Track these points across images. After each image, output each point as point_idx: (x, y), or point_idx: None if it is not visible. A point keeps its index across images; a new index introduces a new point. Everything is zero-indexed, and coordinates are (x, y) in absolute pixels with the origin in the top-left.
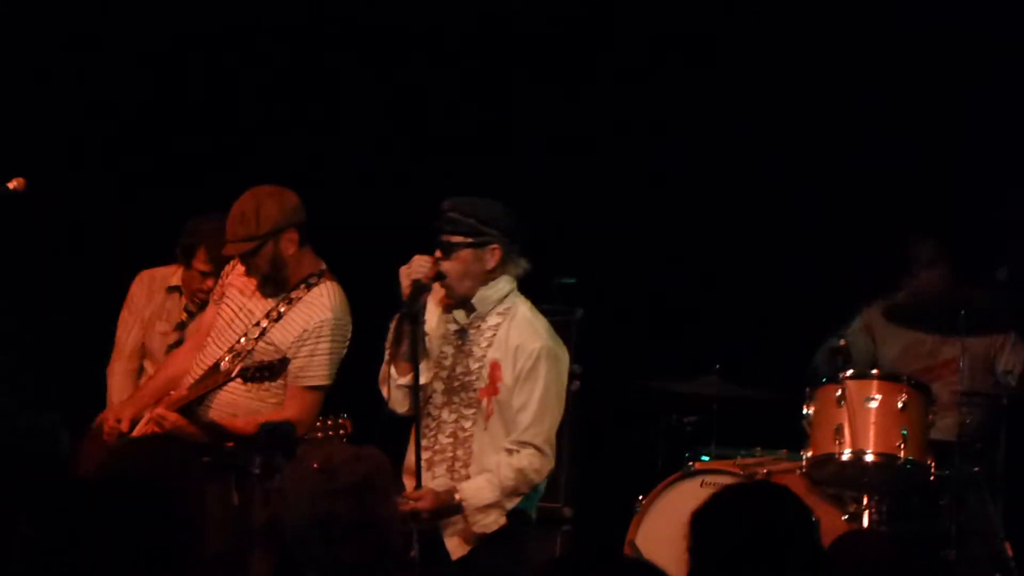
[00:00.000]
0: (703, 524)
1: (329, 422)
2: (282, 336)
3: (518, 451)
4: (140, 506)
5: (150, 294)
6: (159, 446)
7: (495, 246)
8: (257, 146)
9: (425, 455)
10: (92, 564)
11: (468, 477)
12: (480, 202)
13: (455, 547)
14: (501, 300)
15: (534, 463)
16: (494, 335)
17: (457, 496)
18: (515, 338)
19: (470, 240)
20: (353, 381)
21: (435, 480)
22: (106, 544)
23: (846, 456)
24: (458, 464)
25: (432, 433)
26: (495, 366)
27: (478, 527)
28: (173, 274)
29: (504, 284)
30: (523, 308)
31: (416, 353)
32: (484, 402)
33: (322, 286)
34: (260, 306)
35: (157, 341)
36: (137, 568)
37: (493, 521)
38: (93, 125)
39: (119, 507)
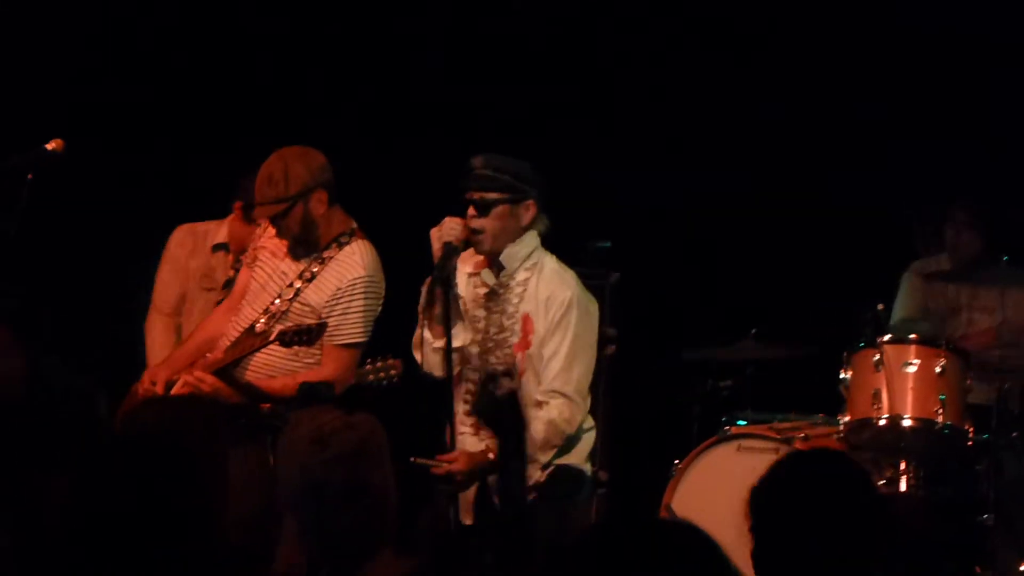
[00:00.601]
0: (766, 496)
1: (379, 363)
2: (316, 296)
3: (547, 402)
4: (156, 464)
5: (193, 250)
6: (178, 406)
7: (530, 201)
8: (284, 107)
9: (471, 419)
10: (116, 523)
11: None
12: (511, 159)
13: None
14: (528, 256)
15: (563, 413)
16: (524, 290)
17: (491, 455)
18: (545, 290)
19: (507, 196)
20: (388, 343)
21: (483, 443)
22: (126, 502)
23: (883, 421)
24: None
25: (471, 397)
26: (527, 319)
27: None
28: (216, 231)
29: (530, 240)
30: (550, 261)
31: (449, 316)
32: (519, 357)
33: (354, 244)
34: (293, 267)
35: (202, 299)
36: (159, 527)
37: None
38: (123, 89)
39: (136, 465)
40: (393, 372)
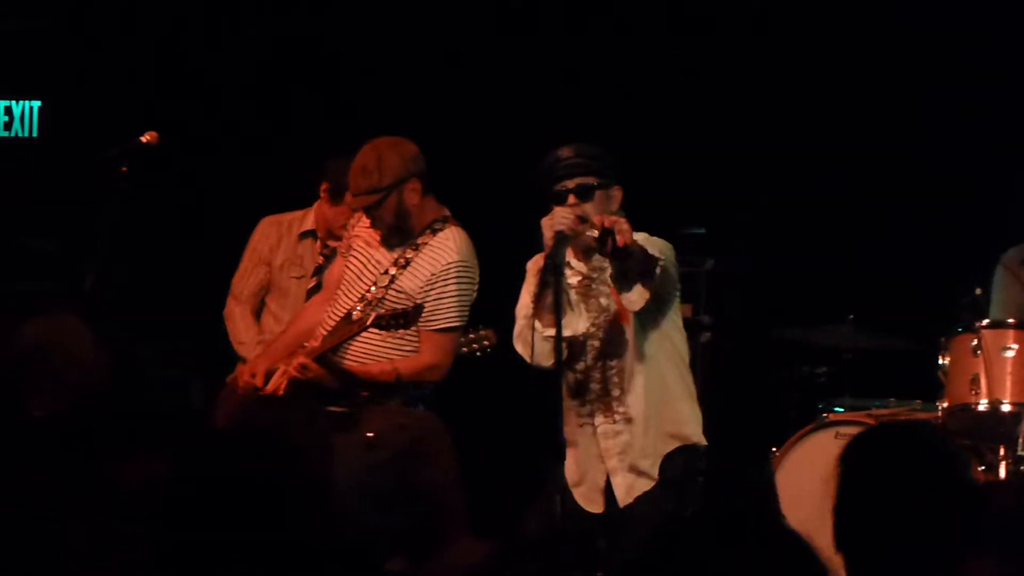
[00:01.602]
0: (855, 460)
1: (472, 335)
2: (411, 283)
3: None
4: (261, 461)
5: (278, 239)
6: (287, 404)
7: (617, 186)
8: (372, 95)
9: (584, 409)
10: (217, 514)
11: (627, 413)
12: (594, 146)
13: (623, 495)
14: None
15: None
16: None
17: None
18: None
19: (601, 181)
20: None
21: (599, 428)
22: (227, 496)
23: (983, 406)
24: (614, 403)
25: (582, 386)
26: None
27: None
28: (303, 219)
29: None
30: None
31: (560, 304)
32: (626, 329)
33: (447, 231)
34: (387, 256)
35: (293, 287)
36: (261, 519)
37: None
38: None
39: (244, 460)
40: (486, 343)
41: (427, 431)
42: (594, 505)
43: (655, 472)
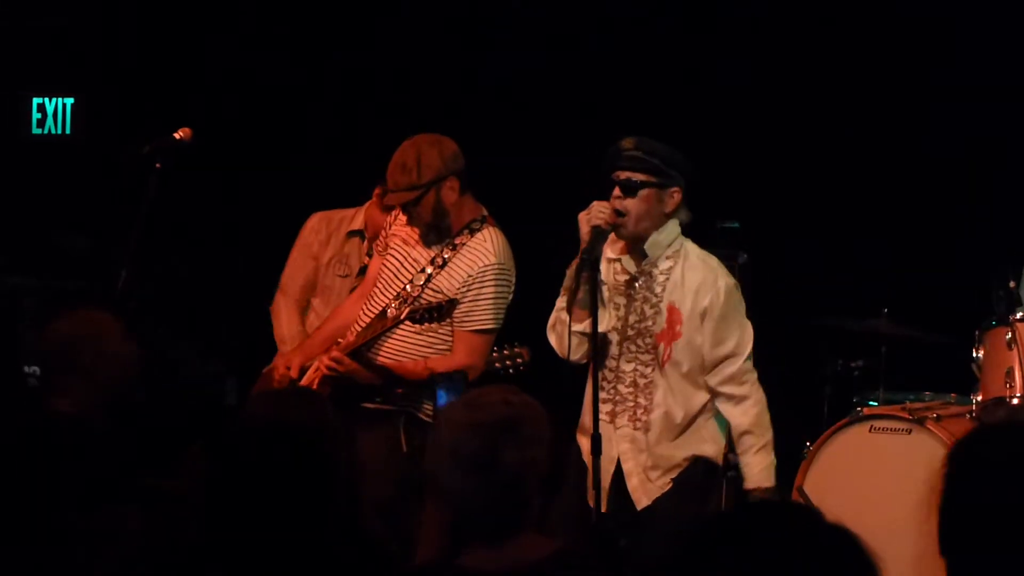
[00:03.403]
0: (962, 461)
1: (505, 351)
2: (448, 283)
3: (746, 396)
4: (268, 455)
5: (328, 236)
6: (289, 399)
7: (676, 189)
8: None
9: (607, 407)
10: (242, 504)
11: (648, 424)
12: (663, 144)
13: (640, 498)
14: (670, 244)
15: (760, 394)
16: (667, 279)
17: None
18: (692, 280)
19: (654, 180)
20: (520, 329)
21: (619, 430)
22: (247, 489)
23: (1016, 399)
24: (640, 411)
25: (611, 384)
26: (672, 310)
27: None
28: (353, 218)
29: (673, 228)
30: (692, 248)
31: (595, 300)
32: (661, 347)
33: (485, 231)
34: (424, 254)
35: (337, 284)
36: (284, 513)
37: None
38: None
39: (251, 455)
40: (519, 360)
41: (528, 415)
42: (601, 505)
43: (668, 479)
